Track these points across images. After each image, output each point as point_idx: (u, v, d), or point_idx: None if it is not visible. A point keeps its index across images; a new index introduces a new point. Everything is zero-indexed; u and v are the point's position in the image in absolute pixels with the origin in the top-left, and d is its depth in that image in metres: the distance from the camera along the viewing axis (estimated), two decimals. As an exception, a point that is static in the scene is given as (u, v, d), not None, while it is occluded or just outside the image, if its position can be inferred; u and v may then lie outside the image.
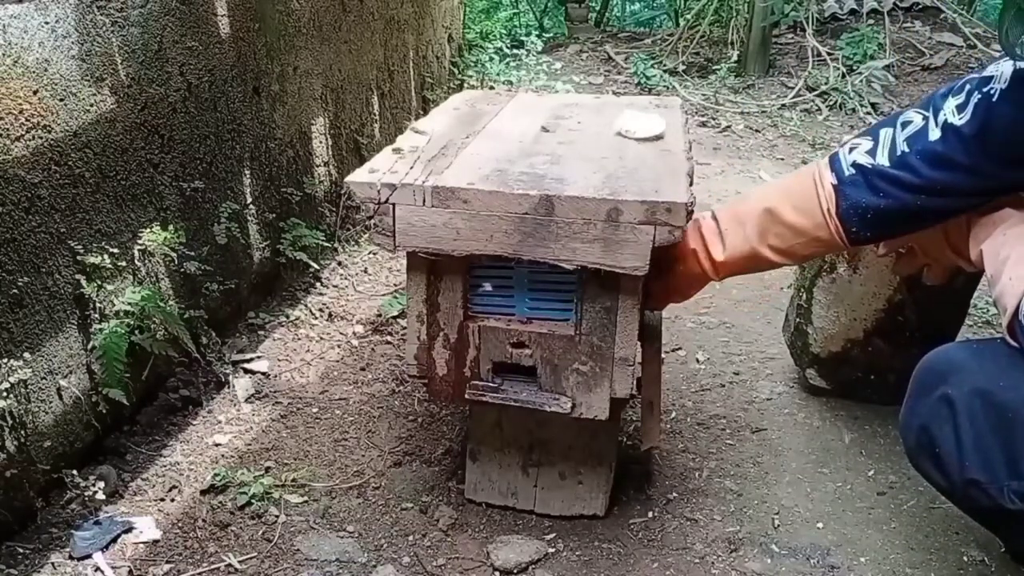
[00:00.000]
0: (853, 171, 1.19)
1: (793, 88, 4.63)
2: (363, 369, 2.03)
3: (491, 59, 4.69)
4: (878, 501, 1.58)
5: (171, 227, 1.76)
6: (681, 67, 5.09)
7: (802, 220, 1.24)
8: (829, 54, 4.74)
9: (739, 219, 1.29)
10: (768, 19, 4.83)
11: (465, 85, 4.32)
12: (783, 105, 4.48)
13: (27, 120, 1.38)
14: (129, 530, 1.45)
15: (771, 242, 1.26)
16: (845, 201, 1.19)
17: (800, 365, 1.92)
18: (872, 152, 1.17)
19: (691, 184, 1.28)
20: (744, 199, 1.34)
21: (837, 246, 1.26)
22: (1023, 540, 1.15)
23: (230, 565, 1.39)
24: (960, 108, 1.09)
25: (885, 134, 1.17)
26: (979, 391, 1.04)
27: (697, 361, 2.10)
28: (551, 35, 6.39)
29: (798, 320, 1.88)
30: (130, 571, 1.38)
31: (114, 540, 1.43)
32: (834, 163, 1.23)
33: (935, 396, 1.09)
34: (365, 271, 2.57)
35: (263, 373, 1.97)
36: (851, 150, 1.21)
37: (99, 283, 1.57)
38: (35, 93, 1.40)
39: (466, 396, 1.36)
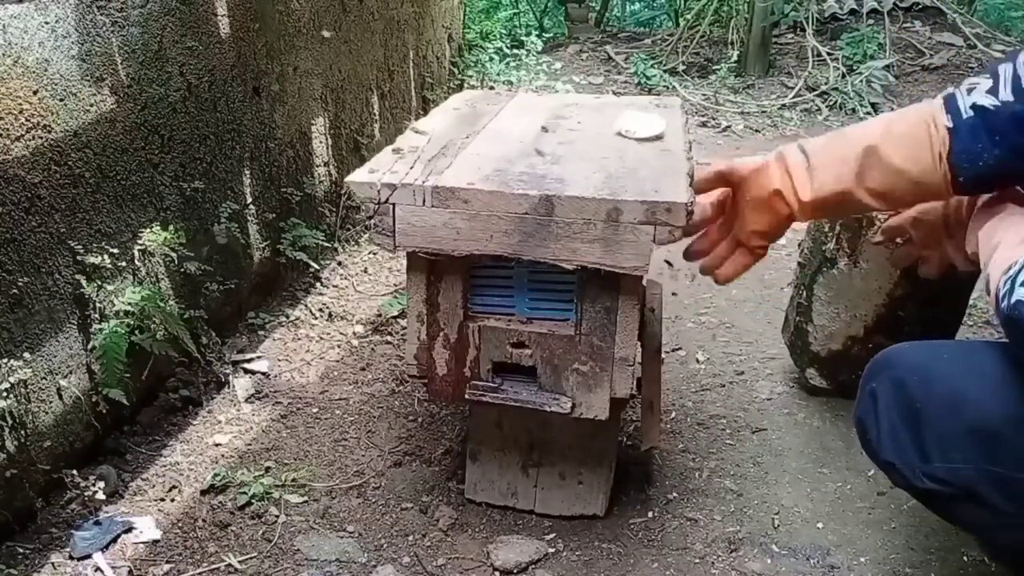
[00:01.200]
0: (972, 113, 1.10)
1: (793, 88, 4.63)
2: (363, 369, 2.03)
3: (491, 59, 4.69)
4: (878, 501, 1.58)
5: (171, 227, 1.76)
6: (681, 67, 5.09)
7: (908, 164, 1.14)
8: (829, 54, 4.74)
9: (833, 156, 1.19)
10: (768, 19, 4.83)
11: (465, 85, 4.32)
12: (783, 105, 4.48)
13: (27, 120, 1.38)
14: (129, 530, 1.45)
15: (869, 184, 1.16)
16: (959, 145, 1.09)
17: (800, 365, 1.92)
18: (994, 91, 1.08)
19: (691, 184, 1.28)
20: (840, 135, 1.23)
21: (940, 194, 1.16)
22: (947, 516, 1.17)
23: (230, 565, 1.39)
24: None
25: (1004, 69, 1.08)
26: (895, 382, 1.10)
27: (697, 361, 2.10)
28: (551, 35, 6.39)
29: (798, 319, 1.88)
30: (130, 571, 1.38)
31: (114, 540, 1.43)
32: (949, 104, 1.12)
33: (867, 390, 1.14)
34: (365, 271, 2.57)
35: (263, 373, 1.97)
36: (970, 91, 1.11)
37: (99, 283, 1.57)
38: (35, 93, 1.40)
39: (466, 396, 1.36)
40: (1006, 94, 1.06)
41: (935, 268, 1.36)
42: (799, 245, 1.97)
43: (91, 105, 1.54)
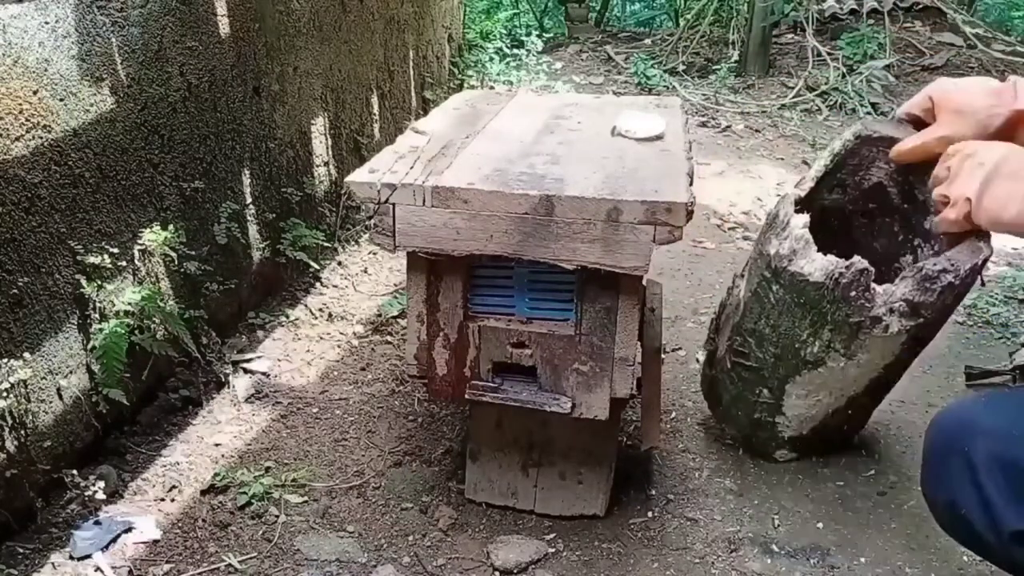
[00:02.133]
0: None
1: (793, 88, 4.63)
2: (363, 369, 2.03)
3: (491, 59, 4.69)
4: (878, 501, 1.58)
5: (171, 227, 1.76)
6: (681, 67, 5.09)
7: None
8: (829, 54, 4.74)
9: None
10: (768, 19, 4.83)
11: (465, 85, 4.32)
12: (783, 105, 4.48)
13: (27, 120, 1.38)
14: (129, 530, 1.45)
15: None
16: None
17: (763, 450, 1.69)
18: None
19: (691, 184, 1.28)
20: None
21: None
22: None
23: (230, 565, 1.39)
24: None
25: None
26: (994, 451, 0.98)
27: (697, 361, 2.09)
28: (551, 35, 6.38)
29: (758, 416, 1.62)
30: (130, 571, 1.38)
31: (114, 540, 1.43)
32: None
33: (953, 461, 1.01)
34: (365, 271, 2.57)
35: (263, 373, 1.97)
36: None
37: (99, 283, 1.57)
38: (35, 93, 1.40)
39: (466, 396, 1.36)
40: None
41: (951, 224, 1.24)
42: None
43: (91, 105, 1.54)
